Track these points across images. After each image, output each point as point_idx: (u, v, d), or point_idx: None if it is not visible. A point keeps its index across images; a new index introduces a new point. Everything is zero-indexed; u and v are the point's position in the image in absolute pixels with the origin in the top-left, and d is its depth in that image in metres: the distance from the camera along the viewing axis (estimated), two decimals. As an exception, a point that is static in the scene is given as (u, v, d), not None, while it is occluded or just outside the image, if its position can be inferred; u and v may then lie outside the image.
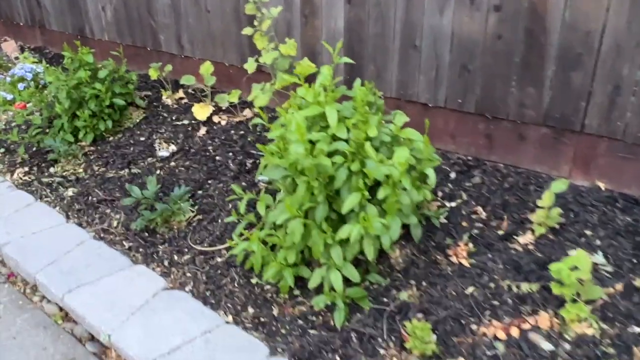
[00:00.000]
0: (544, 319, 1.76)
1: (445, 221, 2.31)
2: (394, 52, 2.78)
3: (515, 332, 1.74)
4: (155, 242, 2.54)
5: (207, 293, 2.20)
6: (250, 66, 2.92)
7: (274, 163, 2.02)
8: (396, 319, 1.91)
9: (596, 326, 1.72)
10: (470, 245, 2.15)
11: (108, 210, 2.79)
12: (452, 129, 2.75)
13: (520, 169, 2.54)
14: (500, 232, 2.18)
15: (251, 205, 2.56)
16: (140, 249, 2.50)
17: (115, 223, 2.70)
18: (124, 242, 2.57)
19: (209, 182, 2.93)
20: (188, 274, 2.32)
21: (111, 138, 3.51)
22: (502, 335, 1.74)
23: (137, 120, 3.69)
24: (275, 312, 2.04)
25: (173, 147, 3.36)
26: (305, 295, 2.09)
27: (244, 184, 2.84)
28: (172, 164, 3.17)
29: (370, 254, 1.88)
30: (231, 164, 3.03)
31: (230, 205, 2.69)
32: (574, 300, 1.73)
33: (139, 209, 2.69)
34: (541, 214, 2.12)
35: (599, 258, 1.96)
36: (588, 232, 2.08)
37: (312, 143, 1.93)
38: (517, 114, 2.47)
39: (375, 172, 1.78)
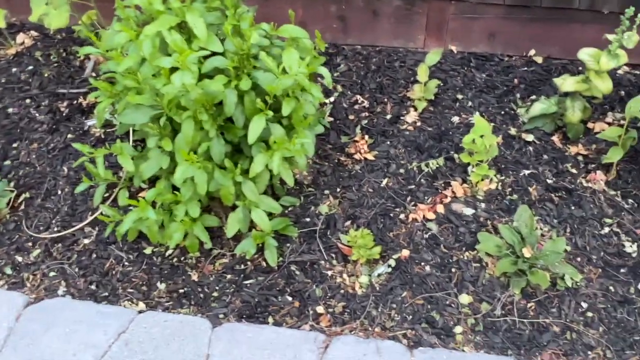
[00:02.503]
0: (457, 188, 1.86)
1: (331, 119, 2.18)
2: None
3: (440, 209, 1.81)
4: (-24, 249, 1.84)
5: (93, 287, 1.72)
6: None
7: (135, 102, 1.53)
8: (328, 235, 1.80)
9: (496, 180, 1.90)
10: (366, 137, 2.08)
11: None
12: (301, 16, 2.49)
13: (378, 47, 2.48)
14: (388, 116, 2.15)
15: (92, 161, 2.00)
16: (-41, 265, 1.79)
17: None
18: None
19: (15, 145, 2.18)
20: (52, 274, 1.77)
21: None
22: (430, 215, 1.80)
23: None
24: (194, 276, 1.73)
25: None
26: (220, 245, 1.80)
27: (70, 136, 2.19)
28: (-58, 134, 2.25)
29: (290, 179, 1.66)
30: (37, 114, 2.29)
31: (65, 169, 2.07)
32: (478, 164, 1.85)
33: None
34: (419, 89, 2.14)
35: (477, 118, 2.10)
36: (459, 96, 2.20)
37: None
38: (368, -12, 2.34)
39: (278, 85, 1.49)
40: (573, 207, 1.86)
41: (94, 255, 1.81)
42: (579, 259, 1.75)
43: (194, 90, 1.39)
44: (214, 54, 1.55)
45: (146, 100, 1.53)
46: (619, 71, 2.30)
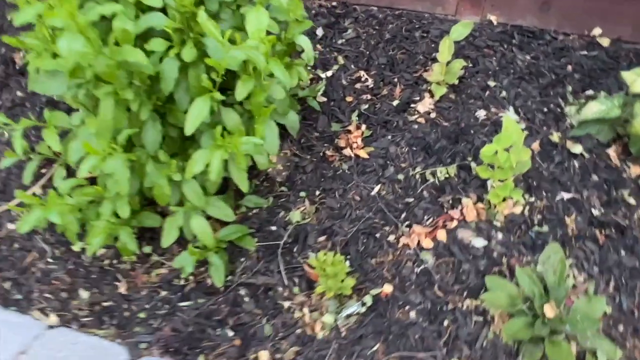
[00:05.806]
0: (469, 209, 1.42)
1: (324, 99, 1.75)
2: None
3: (442, 235, 1.39)
4: None
5: (6, 286, 1.44)
6: None
7: (49, 68, 1.16)
8: (294, 253, 1.43)
9: (523, 202, 1.45)
10: (364, 127, 1.66)
11: None
12: (304, -34, 2.02)
13: (398, 10, 1.99)
14: (395, 102, 1.71)
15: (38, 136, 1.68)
16: None
17: None
18: None
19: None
20: (-34, 263, 1.49)
21: None
22: (427, 243, 1.38)
23: None
24: (122, 287, 1.41)
25: None
26: (160, 250, 1.46)
27: (8, 104, 1.87)
28: None
29: (244, 184, 1.27)
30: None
31: None
32: (501, 180, 1.39)
33: None
34: (439, 71, 1.68)
35: (511, 115, 1.63)
36: (491, 83, 1.72)
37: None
38: None
39: (225, 60, 1.08)
40: (624, 253, 1.38)
41: (16, 245, 1.51)
42: (621, 328, 1.29)
43: (97, 61, 1.00)
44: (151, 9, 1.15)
45: (59, 66, 1.16)
46: None
